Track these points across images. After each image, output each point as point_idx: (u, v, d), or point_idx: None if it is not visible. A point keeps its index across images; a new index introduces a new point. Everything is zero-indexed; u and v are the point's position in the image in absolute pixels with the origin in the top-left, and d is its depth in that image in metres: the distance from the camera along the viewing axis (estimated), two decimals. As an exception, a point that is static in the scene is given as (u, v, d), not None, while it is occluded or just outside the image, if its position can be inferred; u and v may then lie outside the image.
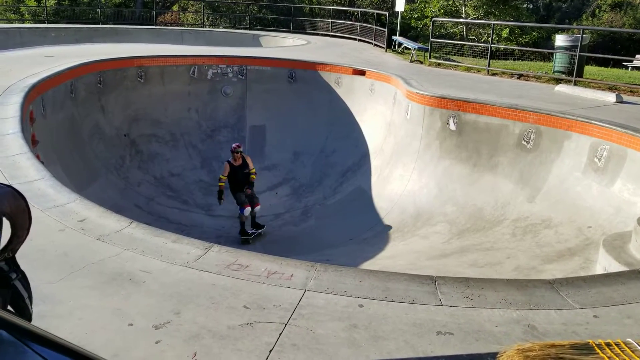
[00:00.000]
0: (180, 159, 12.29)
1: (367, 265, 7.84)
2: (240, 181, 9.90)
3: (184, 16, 32.34)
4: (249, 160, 10.07)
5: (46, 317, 3.11)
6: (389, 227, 9.58)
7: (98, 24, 23.11)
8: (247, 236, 9.90)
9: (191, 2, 33.59)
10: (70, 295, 3.41)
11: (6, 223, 1.92)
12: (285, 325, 3.12)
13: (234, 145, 10.00)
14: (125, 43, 17.03)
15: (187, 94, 13.16)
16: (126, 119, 12.05)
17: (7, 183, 5.10)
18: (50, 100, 9.63)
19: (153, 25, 24.49)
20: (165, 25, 28.28)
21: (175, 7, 33.40)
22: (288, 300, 3.38)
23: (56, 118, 9.73)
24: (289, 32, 23.70)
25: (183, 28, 25.67)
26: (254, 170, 10.07)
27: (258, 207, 10.14)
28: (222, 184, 9.87)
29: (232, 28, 26.64)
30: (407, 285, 3.64)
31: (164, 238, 4.19)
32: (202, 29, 24.90)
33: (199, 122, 13.11)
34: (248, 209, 9.86)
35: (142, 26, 23.34)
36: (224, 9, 31.04)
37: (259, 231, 10.16)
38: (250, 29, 24.84)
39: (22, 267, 2.18)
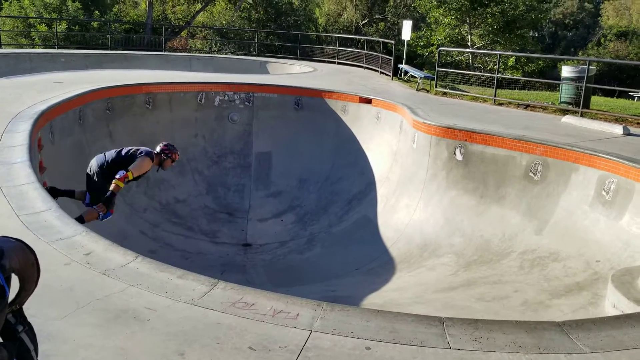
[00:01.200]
0: (186, 185, 12.31)
1: (374, 297, 7.77)
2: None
3: (192, 42, 32.77)
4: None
5: (50, 357, 3.08)
6: (395, 258, 9.52)
7: (107, 49, 23.41)
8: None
9: (199, 28, 34.07)
10: (74, 333, 3.38)
11: (14, 276, 1.90)
12: (291, 367, 3.07)
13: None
14: (134, 69, 17.22)
15: (194, 121, 13.26)
16: (134, 145, 12.07)
17: (15, 229, 5.07)
18: (58, 127, 9.70)
19: (162, 51, 24.79)
20: (174, 50, 28.63)
21: (184, 33, 33.87)
22: (294, 341, 3.33)
23: (64, 144, 9.79)
24: (296, 59, 23.95)
25: (191, 54, 25.98)
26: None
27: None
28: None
29: (240, 54, 26.95)
30: (415, 327, 3.59)
31: (169, 273, 4.16)
32: (210, 55, 25.18)
33: (206, 148, 13.17)
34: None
35: (151, 52, 23.65)
36: (232, 35, 31.46)
37: None
38: (258, 55, 25.11)
39: (28, 303, 2.16)
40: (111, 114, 11.76)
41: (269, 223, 12.08)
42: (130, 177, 6.95)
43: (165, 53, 24.13)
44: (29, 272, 1.94)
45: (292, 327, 3.50)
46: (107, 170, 7.11)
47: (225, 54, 27.24)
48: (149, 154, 7.27)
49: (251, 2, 34.35)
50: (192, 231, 11.25)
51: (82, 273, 4.17)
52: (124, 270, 4.21)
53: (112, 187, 6.78)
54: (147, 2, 31.95)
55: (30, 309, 3.57)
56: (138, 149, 7.35)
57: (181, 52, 28.16)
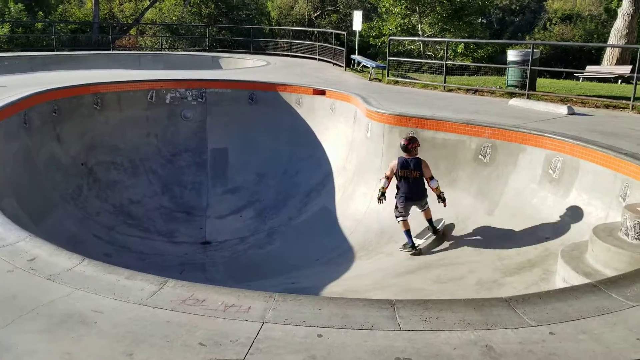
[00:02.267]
0: (140, 185, 12.08)
1: (333, 286, 7.81)
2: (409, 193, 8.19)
3: (142, 40, 32.10)
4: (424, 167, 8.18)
5: (-9, 367, 2.98)
6: (354, 246, 9.58)
7: (53, 50, 22.71)
8: (414, 250, 8.24)
9: (149, 25, 33.39)
10: (18, 340, 3.27)
11: None
12: (243, 360, 3.06)
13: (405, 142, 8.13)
14: (81, 69, 16.76)
15: (146, 119, 13.00)
16: (83, 148, 11.80)
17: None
18: (2, 132, 9.35)
19: (110, 50, 24.20)
20: (123, 49, 27.99)
21: (132, 31, 33.13)
22: (245, 334, 3.32)
23: (10, 149, 9.45)
24: (249, 53, 23.77)
25: (141, 52, 25.42)
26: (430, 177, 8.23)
27: (428, 213, 8.40)
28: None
29: (192, 50, 26.55)
30: (367, 311, 3.62)
31: (117, 275, 4.08)
32: (161, 52, 24.72)
33: (159, 147, 12.94)
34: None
35: (98, 52, 23.06)
36: (183, 32, 30.95)
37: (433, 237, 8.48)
38: (210, 51, 24.80)
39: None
40: (58, 117, 11.42)
41: (228, 220, 11.98)
42: None
43: (114, 52, 23.58)
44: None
45: (243, 320, 3.48)
46: None
47: (177, 51, 26.80)
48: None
49: (201, -3, 33.86)
50: (149, 232, 11.05)
51: (26, 279, 4.05)
52: (69, 274, 4.11)
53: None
54: (93, 1, 31.10)
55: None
56: None
57: (130, 50, 27.53)
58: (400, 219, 8.27)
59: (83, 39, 28.08)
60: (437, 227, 8.52)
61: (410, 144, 8.10)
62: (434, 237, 8.49)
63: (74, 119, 11.81)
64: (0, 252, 4.49)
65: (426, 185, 8.23)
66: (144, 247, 10.37)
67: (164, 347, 3.17)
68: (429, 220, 8.40)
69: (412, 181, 8.10)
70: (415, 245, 8.24)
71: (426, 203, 8.31)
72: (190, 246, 10.72)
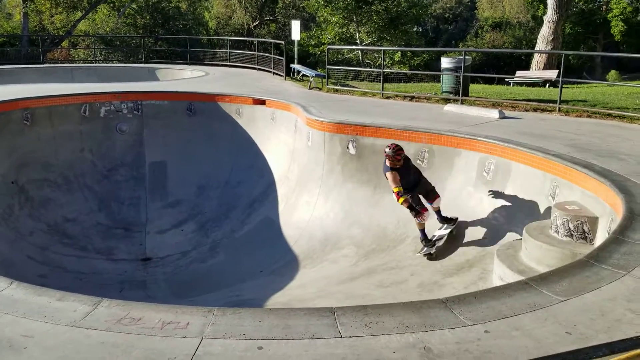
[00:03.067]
0: (76, 202, 11.65)
1: (278, 296, 7.78)
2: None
3: (75, 52, 31.08)
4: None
5: None
6: (299, 255, 9.58)
7: (-22, 64, 21.64)
8: (431, 245, 7.93)
9: (82, 37, 32.39)
10: (-62, 373, 3.08)
11: None
12: (182, 378, 2.99)
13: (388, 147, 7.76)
14: (9, 84, 16.01)
15: (79, 134, 12.57)
16: (13, 165, 11.27)
17: None
18: None
19: (41, 63, 23.29)
20: (55, 62, 27.00)
21: (64, 43, 32.03)
22: (184, 351, 3.24)
23: None
24: (187, 63, 23.42)
25: (73, 65, 24.61)
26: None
27: (438, 200, 8.05)
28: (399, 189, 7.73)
29: (127, 62, 25.91)
30: (307, 320, 3.62)
31: (48, 297, 3.91)
32: (95, 64, 24.01)
33: (94, 162, 12.53)
34: (427, 214, 7.84)
35: (28, 65, 22.15)
36: (118, 43, 30.19)
37: (449, 228, 8.05)
38: (146, 62, 24.28)
39: None
40: (-16, 134, 10.87)
41: (169, 234, 11.73)
42: None
43: (45, 65, 22.69)
44: None
45: (181, 337, 3.40)
46: None
47: (112, 63, 26.10)
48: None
49: (136, 7, 33.15)
50: (86, 250, 10.67)
51: (-53, 307, 3.82)
52: (-4, 298, 3.90)
53: None
54: (22, 13, 29.90)
55: None
56: None
57: (63, 63, 26.60)
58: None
59: (11, 52, 26.90)
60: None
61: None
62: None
63: (3, 136, 11.27)
64: None
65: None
66: (81, 266, 10.00)
67: (98, 370, 3.05)
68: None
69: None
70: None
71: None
72: (130, 263, 10.42)
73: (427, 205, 7.95)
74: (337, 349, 3.30)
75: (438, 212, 8.13)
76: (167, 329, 3.47)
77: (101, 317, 3.62)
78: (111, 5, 34.78)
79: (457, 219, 8.14)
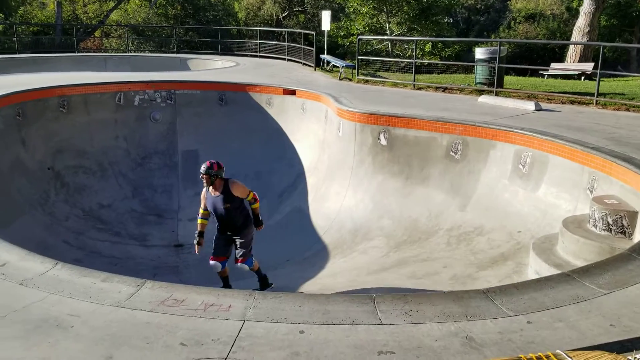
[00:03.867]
0: (110, 189, 11.85)
1: (309, 285, 7.81)
2: (221, 221, 6.91)
3: (107, 42, 31.52)
4: (236, 188, 6.89)
5: (-37, 376, 2.89)
6: (328, 245, 9.60)
7: (15, 53, 22.11)
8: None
9: (114, 27, 32.84)
10: (-9, 348, 3.18)
11: None
12: (225, 359, 3.03)
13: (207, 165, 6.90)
14: (45, 72, 16.35)
15: (114, 122, 12.77)
16: (49, 151, 11.51)
17: None
18: (-36, 137, 9.08)
19: (74, 52, 23.70)
20: (88, 51, 27.45)
21: (97, 33, 32.51)
22: (227, 332, 3.29)
23: (-28, 155, 9.18)
24: (217, 54, 23.56)
25: (106, 54, 24.99)
26: (252, 198, 6.98)
27: (240, 265, 7.07)
28: (201, 220, 7.23)
29: (159, 52, 26.20)
30: (347, 307, 3.64)
31: (93, 277, 4.00)
32: (127, 54, 24.32)
33: (128, 150, 12.72)
34: (214, 264, 7.13)
35: (62, 54, 22.55)
36: (149, 33, 30.53)
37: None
38: (177, 52, 24.51)
39: None
40: (23, 120, 11.12)
41: (200, 222, 11.84)
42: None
43: (78, 54, 23.08)
44: None
45: (224, 319, 3.45)
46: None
47: (143, 53, 26.41)
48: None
49: (167, -2, 33.46)
50: (120, 236, 10.86)
51: (-3, 286, 3.94)
52: (42, 278, 4.01)
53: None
54: (56, 3, 30.43)
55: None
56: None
57: (96, 52, 27.03)
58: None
59: (46, 41, 27.43)
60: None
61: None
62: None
63: (40, 122, 11.52)
64: (-32, 258, 4.35)
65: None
66: (116, 251, 10.18)
67: (145, 349, 3.12)
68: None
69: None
70: None
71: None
72: (162, 249, 10.57)
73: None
74: (378, 335, 3.31)
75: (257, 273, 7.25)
76: (210, 311, 3.53)
77: (145, 298, 3.69)
78: (143, -5, 35.17)
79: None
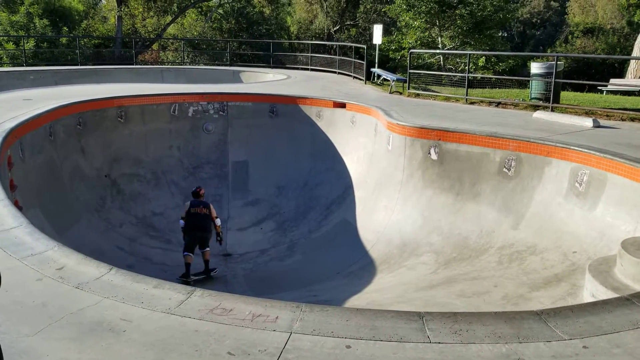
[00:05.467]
0: (163, 197, 12.18)
1: (355, 299, 7.75)
2: (197, 225, 9.67)
3: (164, 54, 32.56)
4: (212, 208, 9.99)
5: (22, 374, 3.00)
6: (376, 259, 9.52)
7: (77, 65, 23.14)
8: (186, 278, 9.37)
9: (171, 40, 33.89)
10: (48, 348, 3.29)
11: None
12: (272, 370, 3.04)
13: (196, 188, 10.21)
14: (105, 83, 17.03)
15: (169, 132, 13.14)
16: (106, 160, 11.96)
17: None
18: (28, 144, 9.52)
19: (133, 64, 24.59)
20: (146, 64, 28.42)
21: (155, 46, 33.63)
22: (273, 344, 3.30)
23: (35, 161, 9.61)
24: (269, 67, 23.96)
25: (163, 66, 25.79)
26: (215, 216, 9.97)
27: (207, 253, 9.82)
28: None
29: (212, 65, 26.85)
30: (395, 323, 3.58)
31: (145, 284, 4.10)
32: (182, 66, 25.05)
33: (181, 159, 13.06)
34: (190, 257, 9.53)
35: (121, 66, 23.43)
36: (204, 46, 31.36)
37: (205, 275, 9.73)
38: (231, 65, 25.06)
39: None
40: (82, 129, 11.60)
41: (249, 232, 12.01)
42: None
43: (137, 66, 23.93)
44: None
45: (271, 330, 3.46)
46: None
47: (198, 65, 27.13)
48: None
49: (222, 12, 34.32)
50: (171, 244, 11.11)
51: (55, 288, 4.08)
52: (97, 283, 4.13)
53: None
54: (116, 17, 31.71)
55: (1, 325, 3.49)
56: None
57: (153, 64, 27.94)
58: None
59: (106, 54, 28.60)
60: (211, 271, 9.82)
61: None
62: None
63: (98, 132, 11.99)
64: (28, 261, 4.54)
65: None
66: (166, 258, 10.42)
67: (194, 356, 3.16)
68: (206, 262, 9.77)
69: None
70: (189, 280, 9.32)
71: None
72: (211, 258, 10.72)
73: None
74: (427, 354, 3.24)
75: (206, 262, 9.76)
76: (257, 322, 3.54)
77: (195, 306, 3.75)
78: (199, 10, 36.18)
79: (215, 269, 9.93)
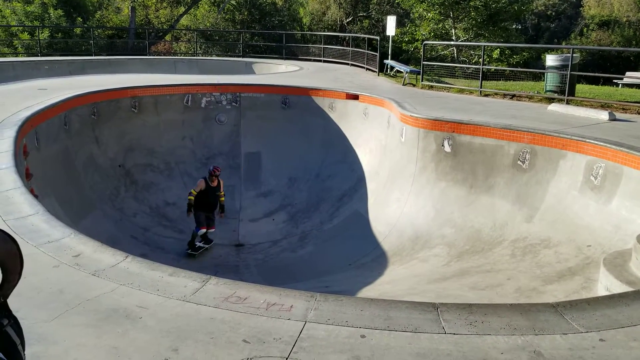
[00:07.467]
0: (176, 187, 12.23)
1: (367, 291, 7.76)
2: (209, 202, 10.33)
3: (177, 45, 32.61)
4: (222, 184, 10.68)
5: (41, 358, 3.03)
6: (388, 251, 9.52)
7: (91, 55, 23.25)
8: (195, 251, 10.30)
9: (184, 31, 33.92)
10: (65, 334, 3.33)
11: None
12: (287, 359, 3.05)
13: (213, 168, 10.44)
14: (118, 74, 17.10)
15: (182, 123, 13.18)
16: (120, 150, 12.02)
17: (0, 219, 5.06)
18: (44, 133, 9.60)
19: (146, 55, 24.65)
20: (159, 54, 28.50)
21: (168, 37, 33.67)
22: (288, 332, 3.31)
23: (50, 150, 9.70)
24: (282, 58, 23.90)
25: (176, 57, 25.85)
26: (222, 193, 10.71)
27: (212, 230, 10.56)
28: (192, 198, 10.20)
29: (225, 56, 26.85)
30: (409, 314, 3.58)
31: (161, 272, 4.13)
32: (195, 57, 25.07)
33: (194, 150, 13.10)
34: (203, 231, 10.32)
35: (135, 56, 23.50)
36: (217, 37, 31.34)
37: (207, 246, 10.57)
38: (243, 56, 25.03)
39: (17, 305, 2.11)
40: (97, 119, 11.67)
41: (261, 223, 12.03)
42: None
43: (150, 57, 23.99)
44: (12, 263, 1.89)
45: (286, 319, 3.47)
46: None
47: (210, 56, 27.14)
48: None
49: (235, 3, 34.26)
50: (183, 234, 11.14)
51: (72, 275, 4.12)
52: (114, 270, 4.17)
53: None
54: (130, 7, 31.77)
55: (19, 311, 3.52)
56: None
57: (166, 55, 28.01)
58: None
59: (120, 44, 28.68)
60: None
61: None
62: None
63: (112, 122, 12.05)
64: (45, 247, 4.58)
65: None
66: (179, 248, 10.48)
67: (209, 344, 3.18)
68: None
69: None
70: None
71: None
72: (223, 248, 10.80)
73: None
74: (442, 344, 3.24)
75: (205, 235, 10.53)
76: (272, 310, 3.56)
77: (210, 294, 3.77)
78: (212, 1, 36.14)
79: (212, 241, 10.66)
